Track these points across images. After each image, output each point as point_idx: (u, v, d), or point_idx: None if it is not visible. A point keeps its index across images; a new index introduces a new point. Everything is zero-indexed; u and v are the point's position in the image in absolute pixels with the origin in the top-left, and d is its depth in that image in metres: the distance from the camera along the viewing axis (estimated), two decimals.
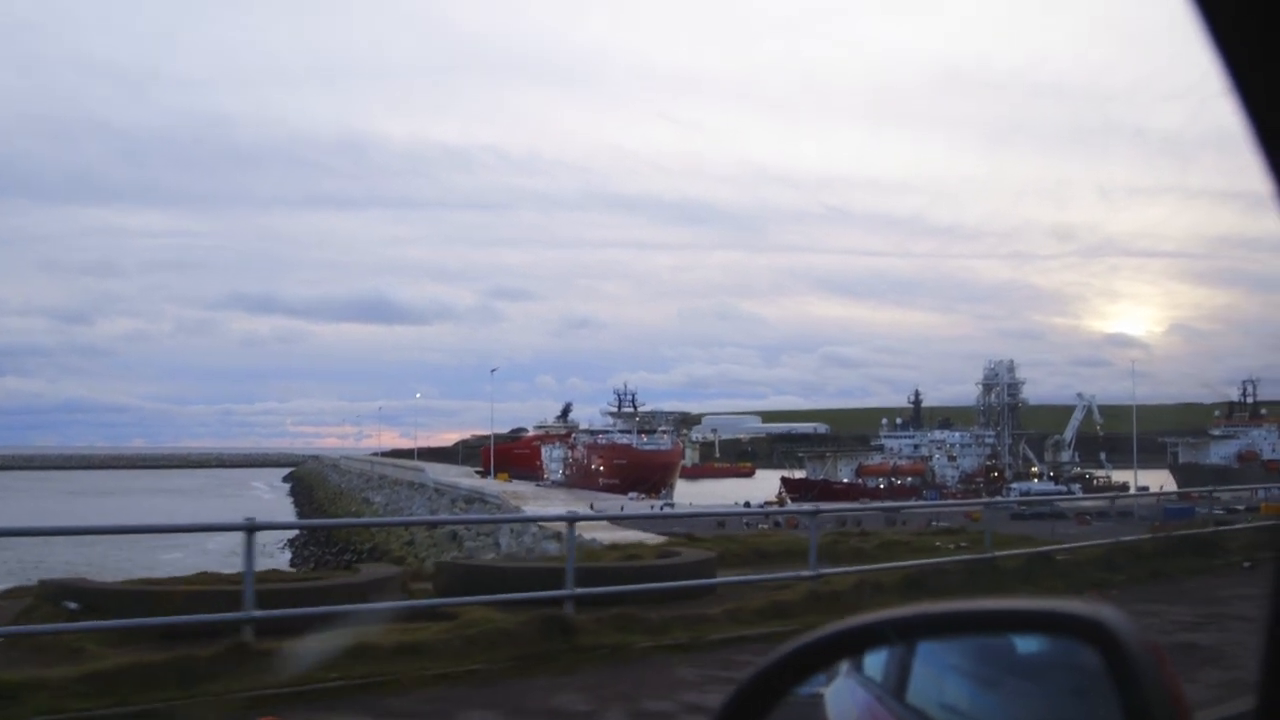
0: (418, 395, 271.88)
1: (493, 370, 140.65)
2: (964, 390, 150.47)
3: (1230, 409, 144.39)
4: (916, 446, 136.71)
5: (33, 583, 18.24)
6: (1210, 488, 34.23)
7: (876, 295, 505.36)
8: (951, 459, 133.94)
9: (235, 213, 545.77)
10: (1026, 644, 2.35)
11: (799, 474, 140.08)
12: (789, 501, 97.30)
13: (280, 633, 12.09)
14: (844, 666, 2.57)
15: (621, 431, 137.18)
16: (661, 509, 65.46)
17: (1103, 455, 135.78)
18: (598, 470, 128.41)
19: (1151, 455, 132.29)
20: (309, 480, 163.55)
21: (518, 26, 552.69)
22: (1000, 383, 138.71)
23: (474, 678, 11.62)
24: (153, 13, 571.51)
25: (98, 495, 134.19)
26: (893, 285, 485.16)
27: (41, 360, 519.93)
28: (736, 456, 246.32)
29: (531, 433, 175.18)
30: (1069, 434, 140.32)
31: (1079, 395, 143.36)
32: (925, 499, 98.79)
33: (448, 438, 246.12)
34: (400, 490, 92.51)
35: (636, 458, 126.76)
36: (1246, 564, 19.97)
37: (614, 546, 26.25)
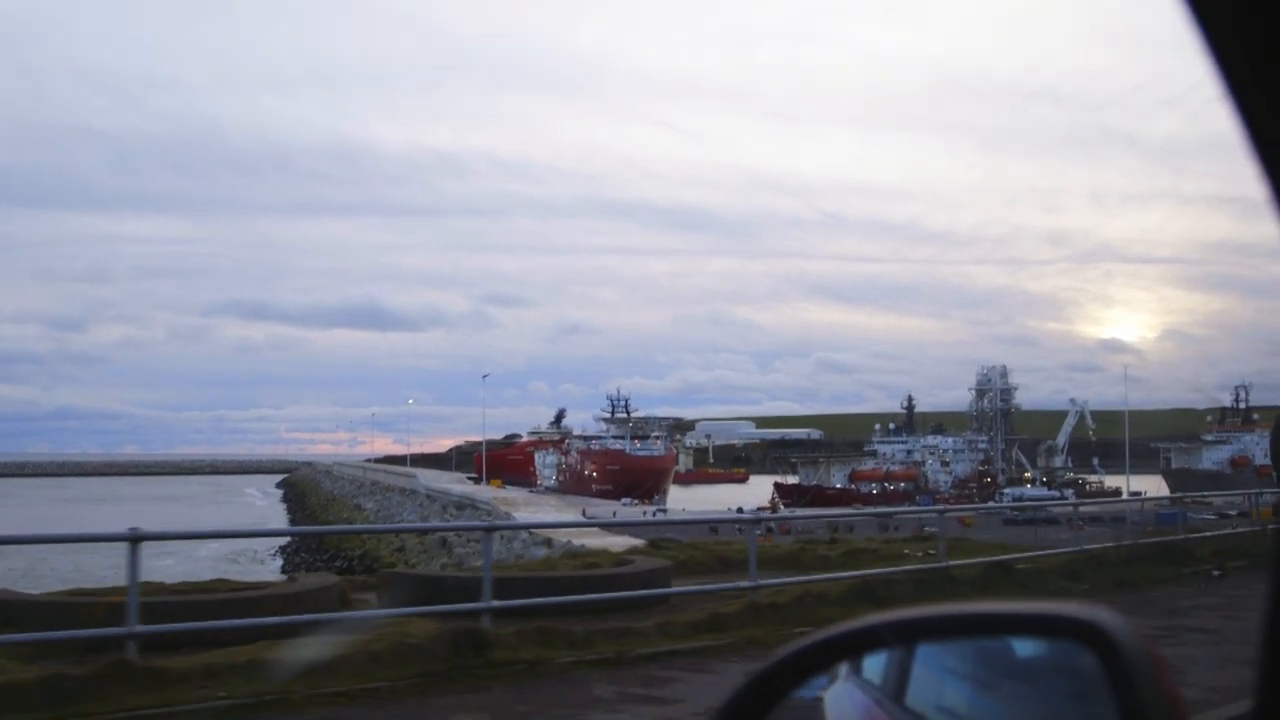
0: (410, 401, 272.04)
1: (484, 376, 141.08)
2: (958, 396, 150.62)
3: (1223, 414, 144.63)
4: (910, 452, 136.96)
5: None
6: (1193, 493, 34.19)
7: (871, 301, 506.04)
8: (944, 464, 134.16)
9: (228, 219, 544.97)
10: (1025, 647, 2.36)
11: (792, 479, 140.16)
12: (782, 507, 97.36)
13: (206, 646, 11.69)
14: (843, 669, 2.57)
15: (615, 437, 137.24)
16: (654, 515, 65.49)
17: (1095, 460, 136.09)
18: (591, 476, 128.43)
19: (1144, 460, 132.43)
20: (302, 487, 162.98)
21: (513, 32, 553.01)
22: (993, 388, 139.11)
23: (373, 696, 10.98)
24: (145, 20, 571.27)
25: (91, 502, 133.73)
26: (888, 291, 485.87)
27: (34, 367, 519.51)
28: (730, 462, 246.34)
29: (525, 439, 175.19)
30: (1062, 439, 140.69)
31: (1072, 400, 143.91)
32: (918, 504, 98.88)
33: (443, 443, 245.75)
34: (392, 496, 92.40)
35: (629, 463, 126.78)
36: (1216, 573, 19.49)
37: (573, 555, 25.96)
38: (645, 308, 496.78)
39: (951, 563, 17.71)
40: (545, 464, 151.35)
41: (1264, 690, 1.56)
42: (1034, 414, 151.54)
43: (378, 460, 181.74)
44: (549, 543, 36.76)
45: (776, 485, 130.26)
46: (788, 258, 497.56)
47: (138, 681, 10.60)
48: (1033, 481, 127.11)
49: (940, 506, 26.87)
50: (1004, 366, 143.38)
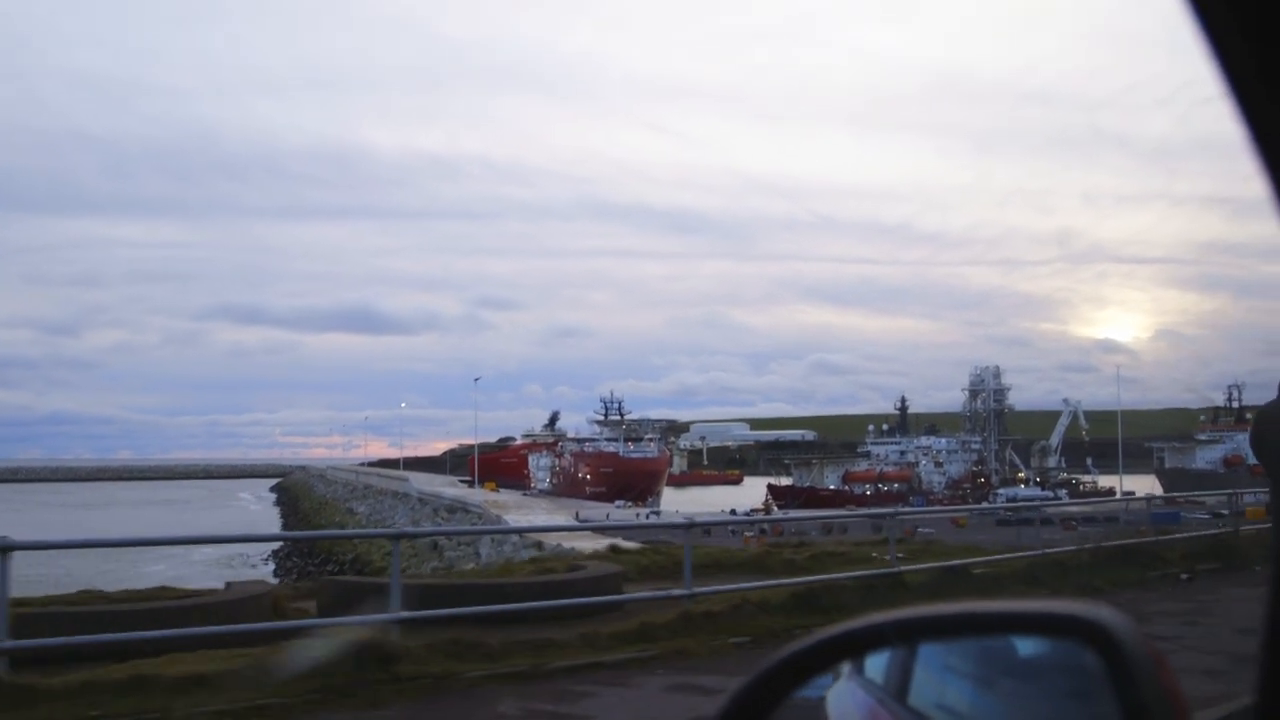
0: (402, 405, 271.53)
1: (476, 379, 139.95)
2: (951, 397, 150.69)
3: (1216, 414, 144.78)
4: (903, 453, 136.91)
5: None
6: (1181, 493, 33.98)
7: (865, 303, 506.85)
8: (938, 465, 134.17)
9: (221, 223, 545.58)
10: (1027, 646, 2.36)
11: (786, 481, 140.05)
12: (775, 509, 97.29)
13: (125, 657, 11.05)
14: (846, 669, 2.58)
15: (608, 440, 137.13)
16: (648, 517, 65.34)
17: (1089, 460, 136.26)
18: (584, 479, 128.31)
19: (1138, 460, 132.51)
20: (295, 491, 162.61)
21: (505, 35, 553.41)
22: (986, 388, 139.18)
23: (261, 714, 10.23)
24: (137, 24, 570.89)
25: (83, 508, 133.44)
26: (881, 292, 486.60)
27: (28, 372, 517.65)
28: (725, 464, 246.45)
29: (519, 442, 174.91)
30: (1055, 439, 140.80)
31: (1065, 401, 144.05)
32: (912, 505, 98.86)
33: (437, 447, 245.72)
34: (384, 500, 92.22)
35: (623, 466, 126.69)
36: (1185, 576, 19.00)
37: (534, 560, 25.54)
38: (639, 310, 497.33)
39: (904, 568, 16.99)
40: (539, 467, 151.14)
41: (1265, 687, 1.54)
42: (1028, 414, 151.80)
43: (372, 464, 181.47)
44: (539, 545, 36.58)
45: (770, 487, 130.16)
46: (781, 260, 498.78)
47: (3, 700, 9.99)
48: (1026, 482, 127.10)
49: (889, 509, 25.85)
50: (997, 367, 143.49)
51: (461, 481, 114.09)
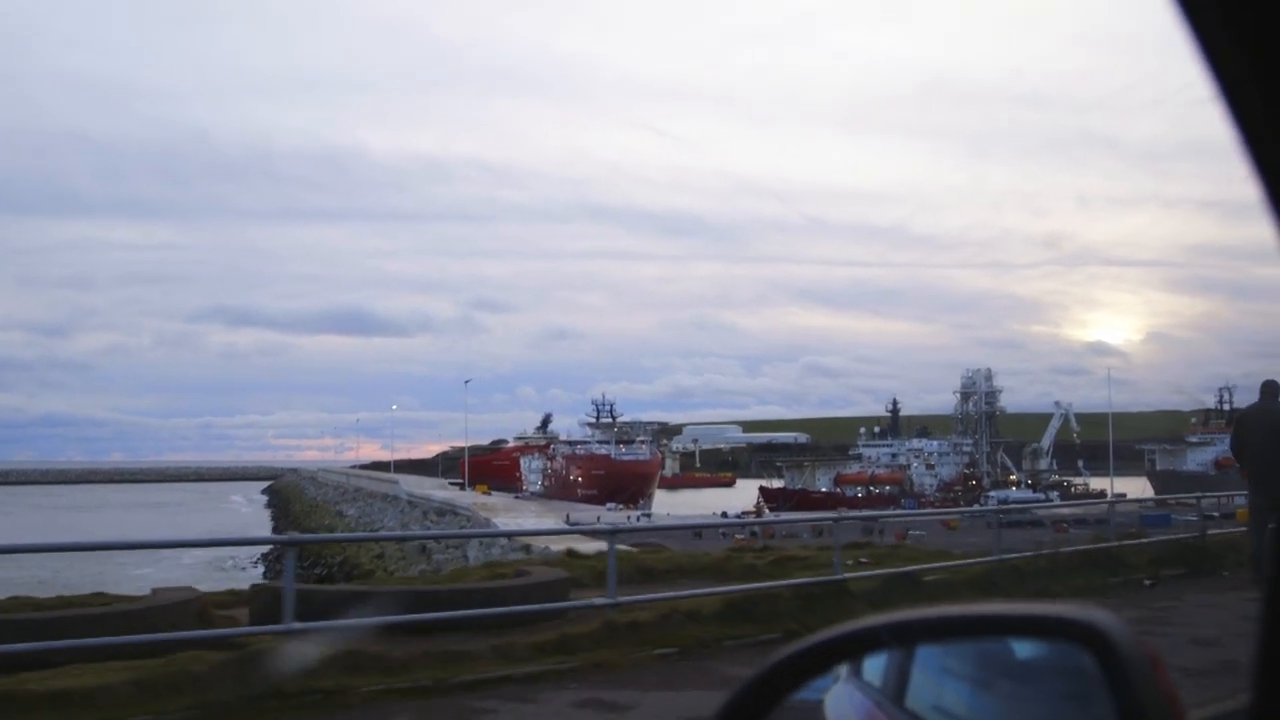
0: (394, 407, 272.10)
1: (466, 382, 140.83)
2: (943, 399, 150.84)
3: (1207, 416, 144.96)
4: (894, 455, 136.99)
5: None
6: (1159, 497, 33.86)
7: (858, 305, 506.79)
8: (929, 467, 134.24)
9: (214, 225, 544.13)
10: (1024, 648, 2.37)
11: (777, 484, 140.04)
12: (766, 511, 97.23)
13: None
14: (843, 671, 2.58)
15: (600, 442, 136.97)
16: (639, 519, 65.31)
17: (1080, 463, 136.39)
18: (576, 481, 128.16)
19: (1129, 462, 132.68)
20: (287, 493, 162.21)
21: (499, 37, 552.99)
22: (978, 391, 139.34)
23: None
24: (131, 26, 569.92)
25: (74, 510, 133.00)
26: (873, 295, 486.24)
27: (19, 374, 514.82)
28: (717, 466, 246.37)
29: (512, 444, 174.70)
30: (1046, 442, 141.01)
31: (1056, 403, 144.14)
32: (904, 507, 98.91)
33: (429, 449, 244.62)
34: (374, 502, 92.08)
35: (614, 468, 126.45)
36: (1148, 582, 18.28)
37: (490, 563, 25.11)
38: (632, 312, 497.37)
39: (848, 575, 16.00)
40: (530, 469, 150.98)
41: (1262, 686, 1.54)
42: (1019, 417, 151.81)
43: (364, 466, 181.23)
44: (528, 549, 36.50)
45: (761, 489, 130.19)
46: (774, 262, 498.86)
47: None
48: (1018, 484, 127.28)
49: (835, 513, 24.31)
50: (988, 369, 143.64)
51: (452, 484, 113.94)
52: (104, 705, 9.69)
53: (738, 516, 69.60)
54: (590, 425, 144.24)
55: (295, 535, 12.07)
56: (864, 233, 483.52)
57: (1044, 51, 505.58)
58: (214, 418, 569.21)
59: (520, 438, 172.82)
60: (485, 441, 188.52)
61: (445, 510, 63.21)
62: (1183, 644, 12.54)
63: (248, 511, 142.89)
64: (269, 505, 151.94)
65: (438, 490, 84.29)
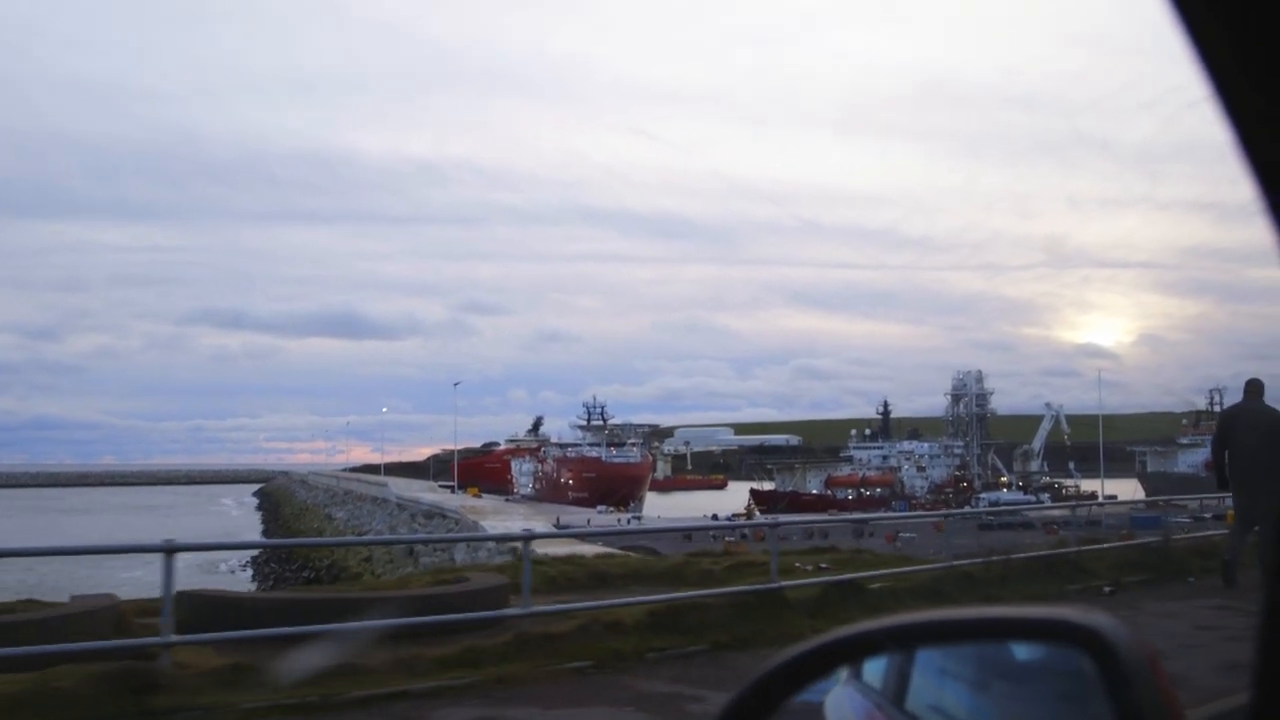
0: (384, 410, 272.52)
1: (455, 384, 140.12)
2: (934, 401, 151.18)
3: (1198, 418, 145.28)
4: (885, 457, 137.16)
5: None
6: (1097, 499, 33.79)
7: (849, 307, 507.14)
8: (920, 470, 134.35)
9: (205, 227, 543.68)
10: (1024, 650, 2.39)
11: (768, 486, 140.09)
12: (757, 514, 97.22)
13: None
14: (844, 673, 2.59)
15: (591, 445, 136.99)
16: (629, 522, 65.29)
17: (1071, 465, 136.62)
18: (567, 483, 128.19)
19: (1120, 464, 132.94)
20: (277, 496, 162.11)
21: (492, 39, 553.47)
22: (969, 393, 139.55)
23: None
24: (122, 27, 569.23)
25: (65, 514, 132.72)
26: (866, 297, 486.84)
27: (10, 377, 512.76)
28: (709, 469, 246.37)
29: (503, 447, 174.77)
30: (1037, 444, 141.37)
31: (1047, 405, 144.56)
32: (895, 510, 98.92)
33: (421, 452, 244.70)
34: (363, 505, 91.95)
35: (605, 471, 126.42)
36: (1108, 589, 17.51)
37: (437, 569, 24.60)
38: (625, 315, 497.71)
39: (784, 583, 15.07)
40: (521, 472, 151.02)
41: (1261, 683, 1.53)
42: (1010, 419, 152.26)
43: (355, 469, 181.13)
44: (515, 551, 36.30)
45: (752, 492, 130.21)
46: (766, 264, 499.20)
47: None
48: (1009, 486, 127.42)
49: (769, 519, 23.49)
50: (979, 371, 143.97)
51: (443, 486, 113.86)
52: None
53: (729, 519, 69.48)
54: (581, 428, 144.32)
55: (171, 542, 10.12)
56: (857, 235, 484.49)
57: (1037, 54, 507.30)
58: (205, 421, 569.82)
59: (512, 440, 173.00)
60: (477, 444, 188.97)
61: (434, 513, 63.14)
62: None
63: (238, 515, 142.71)
64: (259, 508, 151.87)
65: (426, 493, 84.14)
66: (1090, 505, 37.85)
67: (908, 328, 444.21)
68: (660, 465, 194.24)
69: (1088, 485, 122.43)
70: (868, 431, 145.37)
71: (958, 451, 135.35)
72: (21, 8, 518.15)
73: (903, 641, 2.44)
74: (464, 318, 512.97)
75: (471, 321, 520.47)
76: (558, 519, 60.15)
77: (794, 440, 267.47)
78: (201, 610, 12.28)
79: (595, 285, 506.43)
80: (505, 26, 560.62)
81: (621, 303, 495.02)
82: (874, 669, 2.62)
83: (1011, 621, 2.41)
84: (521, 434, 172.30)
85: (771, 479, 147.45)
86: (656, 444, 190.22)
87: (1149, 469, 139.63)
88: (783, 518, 29.39)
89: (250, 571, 69.16)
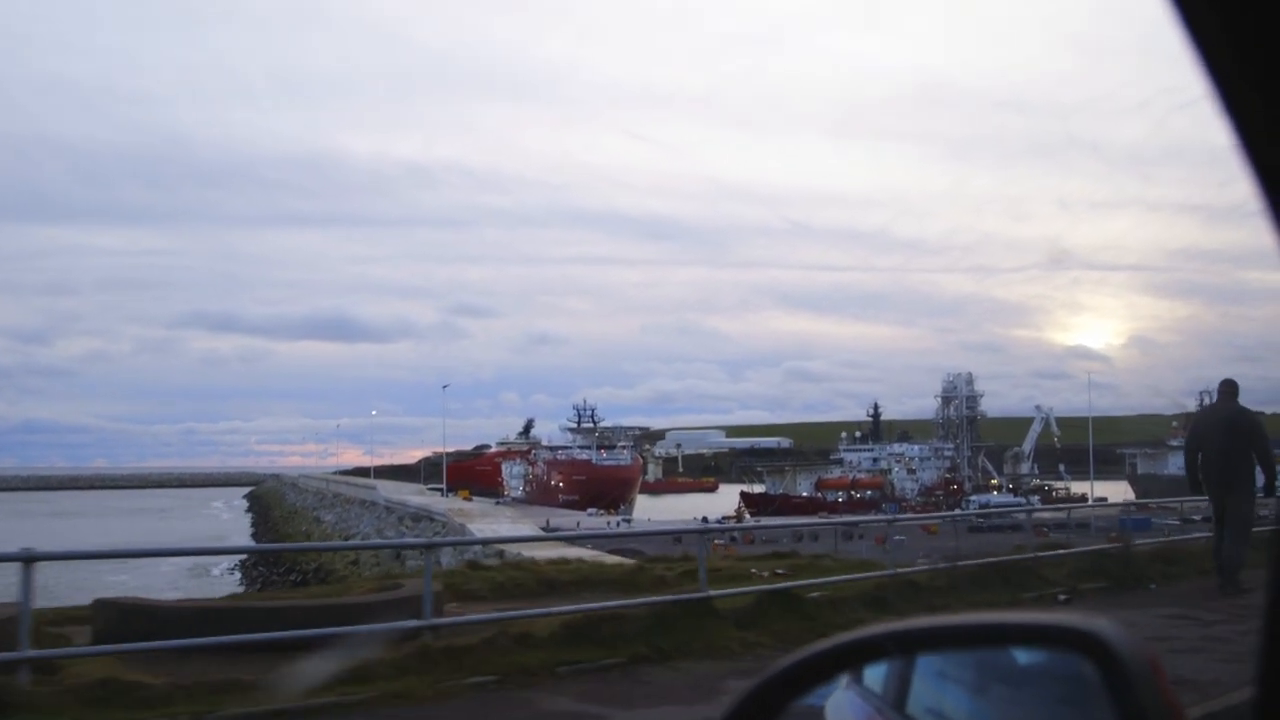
0: (374, 413, 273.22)
1: (444, 387, 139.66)
2: (924, 403, 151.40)
3: (1188, 419, 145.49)
4: (875, 460, 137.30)
5: None
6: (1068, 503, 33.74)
7: (840, 310, 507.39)
8: (911, 472, 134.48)
9: (195, 231, 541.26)
10: (1026, 656, 2.39)
11: (759, 489, 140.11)
12: (748, 516, 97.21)
13: None
14: (844, 679, 2.59)
15: (581, 447, 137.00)
16: (619, 525, 65.15)
17: (1061, 467, 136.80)
18: (557, 486, 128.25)
19: (1110, 466, 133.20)
20: (267, 499, 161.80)
21: (481, 42, 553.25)
22: (959, 395, 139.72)
23: None
24: (111, 31, 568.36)
25: (55, 517, 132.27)
26: (856, 299, 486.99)
27: (0, 381, 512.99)
28: (700, 471, 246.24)
29: (494, 449, 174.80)
30: (1027, 446, 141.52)
31: (1037, 407, 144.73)
32: (885, 512, 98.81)
33: (412, 455, 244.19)
34: (352, 508, 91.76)
35: (595, 473, 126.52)
36: (1063, 596, 16.97)
37: (386, 574, 23.76)
38: (614, 317, 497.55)
39: (714, 592, 14.30)
40: (512, 474, 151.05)
41: (1264, 679, 1.53)
42: (1000, 421, 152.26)
43: (345, 473, 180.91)
44: (501, 555, 36.24)
45: (743, 494, 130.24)
46: (756, 267, 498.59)
47: None
48: (999, 488, 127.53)
49: (699, 526, 22.12)
50: (969, 374, 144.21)
51: (433, 489, 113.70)
52: None
53: (719, 521, 69.41)
54: (572, 430, 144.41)
55: (30, 550, 8.79)
56: (847, 237, 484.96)
57: (1028, 56, 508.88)
58: (197, 424, 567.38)
59: (502, 443, 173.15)
60: (468, 447, 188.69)
61: (421, 516, 63.06)
62: None
63: (228, 518, 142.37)
64: (249, 511, 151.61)
65: (414, 496, 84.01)
66: (1081, 507, 37.81)
67: (898, 330, 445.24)
68: (651, 468, 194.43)
69: (1078, 488, 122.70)
70: (858, 434, 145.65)
71: (948, 454, 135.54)
72: (10, 12, 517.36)
73: (904, 646, 2.45)
74: (454, 320, 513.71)
75: (462, 324, 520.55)
76: (547, 521, 60.05)
77: (785, 443, 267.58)
78: (118, 619, 11.67)
79: (585, 288, 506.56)
80: (494, 29, 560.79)
81: (612, 305, 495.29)
82: (874, 673, 2.63)
83: (1013, 627, 2.41)
84: (512, 437, 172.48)
85: (762, 481, 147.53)
86: (647, 446, 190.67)
87: (1139, 471, 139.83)
88: (714, 526, 29.71)
89: (238, 575, 69.00)
